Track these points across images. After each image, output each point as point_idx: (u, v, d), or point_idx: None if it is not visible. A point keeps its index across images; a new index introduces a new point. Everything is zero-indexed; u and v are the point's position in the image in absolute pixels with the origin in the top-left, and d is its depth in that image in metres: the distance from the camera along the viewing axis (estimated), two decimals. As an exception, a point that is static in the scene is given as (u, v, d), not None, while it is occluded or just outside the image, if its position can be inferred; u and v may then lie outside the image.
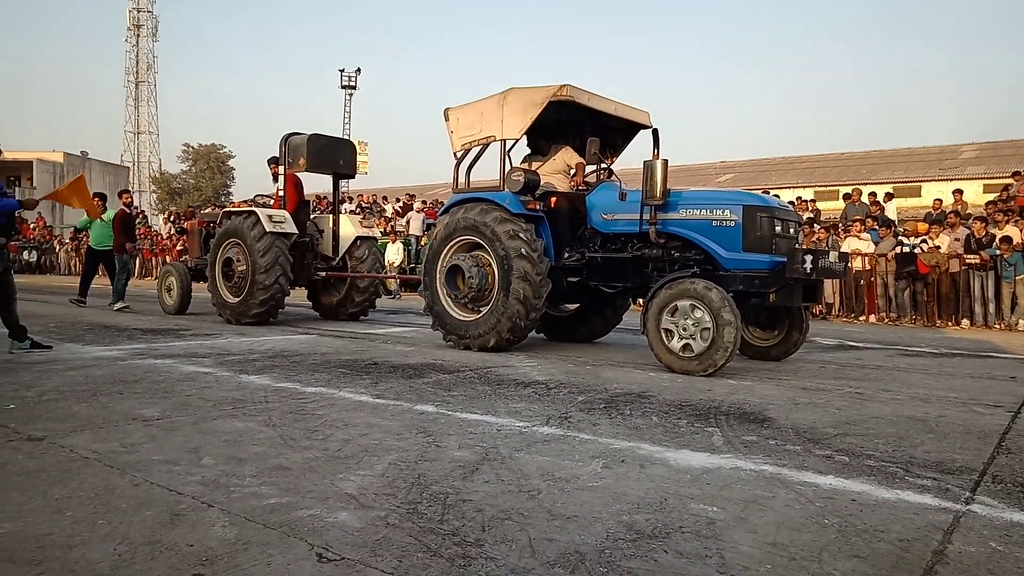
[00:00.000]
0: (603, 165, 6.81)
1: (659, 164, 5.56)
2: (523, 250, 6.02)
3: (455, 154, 6.90)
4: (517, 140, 6.70)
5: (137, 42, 62.16)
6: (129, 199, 11.26)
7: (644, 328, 5.48)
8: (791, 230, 5.77)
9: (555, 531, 2.07)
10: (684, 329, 5.26)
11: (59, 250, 26.74)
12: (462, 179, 6.93)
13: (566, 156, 6.93)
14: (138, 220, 24.70)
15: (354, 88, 45.14)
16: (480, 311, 6.38)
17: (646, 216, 5.81)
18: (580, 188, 6.72)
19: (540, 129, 6.91)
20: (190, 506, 2.21)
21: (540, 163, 6.95)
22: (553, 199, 6.56)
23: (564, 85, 6.17)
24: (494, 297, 6.19)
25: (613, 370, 5.35)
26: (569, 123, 7.08)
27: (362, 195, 25.65)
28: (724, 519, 2.20)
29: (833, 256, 5.64)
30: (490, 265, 6.30)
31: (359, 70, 45.26)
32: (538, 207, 6.38)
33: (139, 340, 6.65)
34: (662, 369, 5.37)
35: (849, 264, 11.59)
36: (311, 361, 5.42)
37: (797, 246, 5.66)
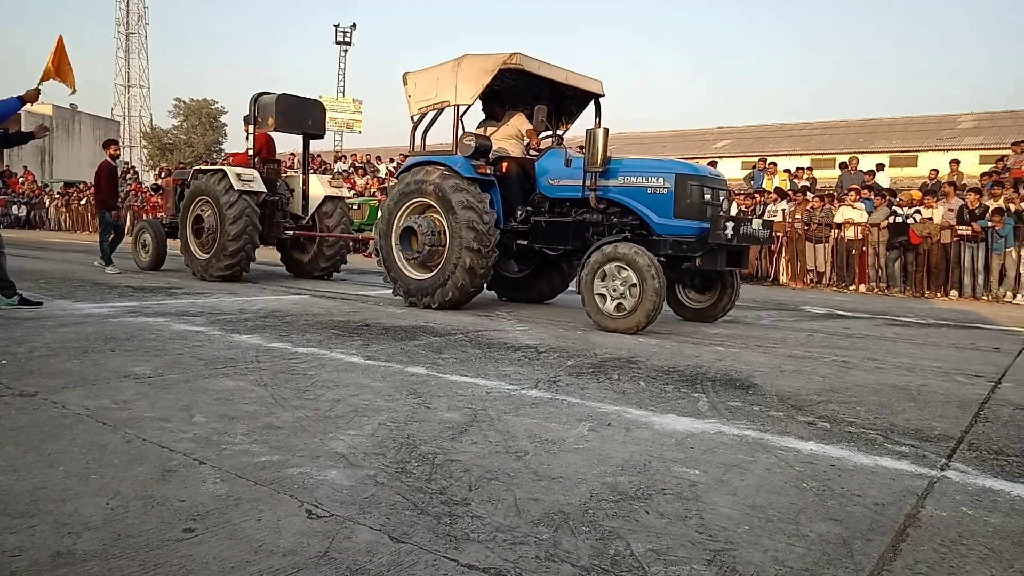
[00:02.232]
0: (558, 132, 6.99)
1: (600, 132, 5.76)
2: (465, 199, 6.19)
3: (412, 118, 7.03)
4: (470, 106, 6.90)
5: (127, -8, 60.60)
6: (116, 151, 9.91)
7: (586, 310, 5.73)
8: (719, 198, 6.00)
9: (540, 491, 2.12)
10: (615, 291, 5.51)
11: (49, 205, 26.47)
12: (418, 142, 7.05)
13: (519, 122, 7.04)
14: (129, 176, 24.41)
15: (349, 44, 44.31)
16: (435, 270, 6.54)
17: (588, 182, 5.99)
18: (533, 154, 6.83)
19: (496, 95, 7.08)
20: (182, 463, 2.24)
21: (495, 128, 7.08)
22: (504, 164, 6.70)
23: (514, 53, 6.28)
24: (447, 251, 6.34)
25: (603, 335, 5.40)
26: (526, 90, 7.19)
27: (356, 154, 25.39)
28: (706, 482, 2.25)
29: (756, 223, 5.92)
30: (441, 222, 6.43)
31: (354, 25, 44.36)
32: (489, 171, 6.52)
33: (131, 297, 6.64)
34: (651, 335, 5.43)
35: (841, 233, 11.81)
36: (303, 322, 5.44)
37: (721, 213, 5.84)
